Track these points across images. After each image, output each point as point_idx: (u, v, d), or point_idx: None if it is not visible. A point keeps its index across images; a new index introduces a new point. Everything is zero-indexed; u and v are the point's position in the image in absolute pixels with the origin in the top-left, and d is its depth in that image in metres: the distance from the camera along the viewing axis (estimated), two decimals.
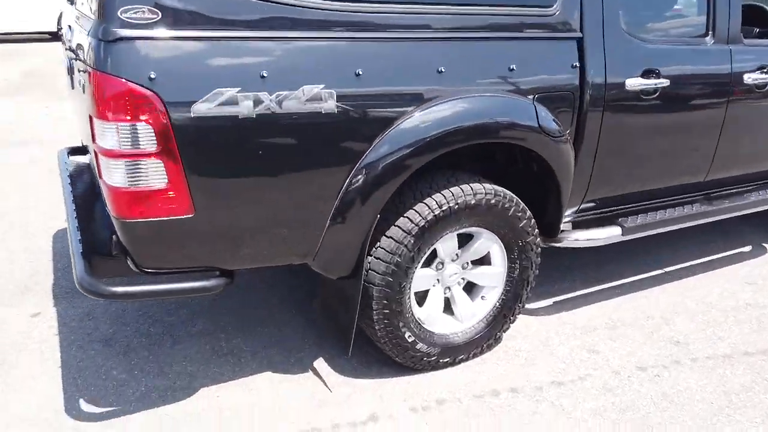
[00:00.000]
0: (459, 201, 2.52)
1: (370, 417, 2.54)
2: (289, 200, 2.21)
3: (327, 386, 2.71)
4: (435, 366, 2.84)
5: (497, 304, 2.91)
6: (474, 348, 2.90)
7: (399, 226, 2.48)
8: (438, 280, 2.77)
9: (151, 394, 2.63)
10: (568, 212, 2.99)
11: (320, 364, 2.86)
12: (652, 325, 3.27)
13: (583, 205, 3.04)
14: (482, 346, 2.93)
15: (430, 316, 2.76)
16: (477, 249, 2.77)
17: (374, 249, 2.50)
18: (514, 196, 2.68)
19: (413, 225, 2.47)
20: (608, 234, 3.15)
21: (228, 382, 2.72)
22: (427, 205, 2.49)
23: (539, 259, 2.90)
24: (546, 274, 3.73)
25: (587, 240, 3.10)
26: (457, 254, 2.75)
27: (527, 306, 3.41)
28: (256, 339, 3.03)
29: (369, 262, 2.50)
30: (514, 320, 2.99)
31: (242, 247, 2.23)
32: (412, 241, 2.48)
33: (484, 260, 2.87)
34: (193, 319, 3.18)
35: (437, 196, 2.51)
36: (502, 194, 2.63)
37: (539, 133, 2.59)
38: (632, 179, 3.12)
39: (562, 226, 3.12)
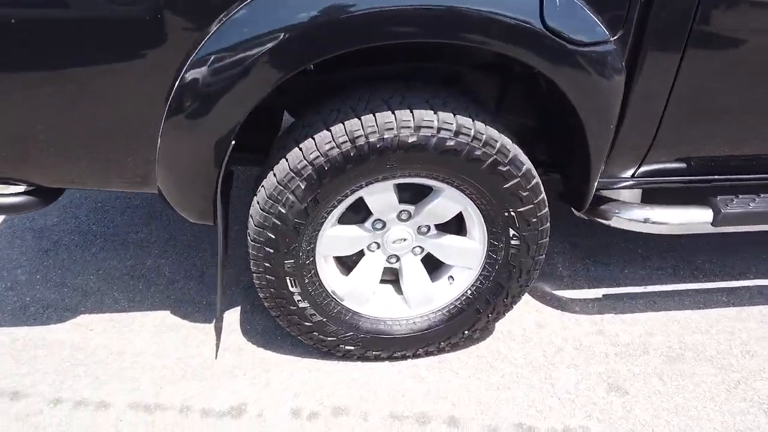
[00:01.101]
0: (385, 134, 1.58)
1: (231, 409, 1.88)
2: (95, 103, 1.49)
3: (216, 350, 2.08)
4: (361, 358, 2.05)
5: (468, 292, 1.97)
6: (424, 345, 2.03)
7: (287, 161, 1.64)
8: (378, 244, 1.90)
9: (28, 308, 2.24)
10: (614, 174, 1.85)
11: (230, 318, 2.22)
12: (735, 376, 2.07)
13: (644, 168, 1.85)
14: (438, 344, 2.04)
15: (356, 291, 1.94)
16: (434, 209, 1.82)
17: (259, 189, 1.71)
18: (497, 138, 1.65)
19: (305, 162, 1.61)
20: (688, 218, 1.94)
21: (114, 313, 2.22)
22: (332, 134, 1.60)
23: (546, 239, 1.86)
24: (599, 244, 2.61)
25: (649, 222, 1.94)
26: (408, 212, 1.83)
27: (552, 290, 2.38)
28: (185, 268, 2.46)
29: (252, 206, 1.73)
30: (495, 319, 2.04)
31: (42, 159, 1.59)
32: (303, 186, 1.63)
33: (457, 228, 1.92)
34: (145, 226, 2.69)
35: (351, 123, 1.59)
36: (469, 133, 1.62)
37: (543, 37, 1.49)
38: (737, 135, 1.83)
39: (617, 194, 2.00)
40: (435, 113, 1.60)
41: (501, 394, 1.97)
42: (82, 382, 1.94)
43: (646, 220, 1.92)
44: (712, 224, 1.90)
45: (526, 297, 2.37)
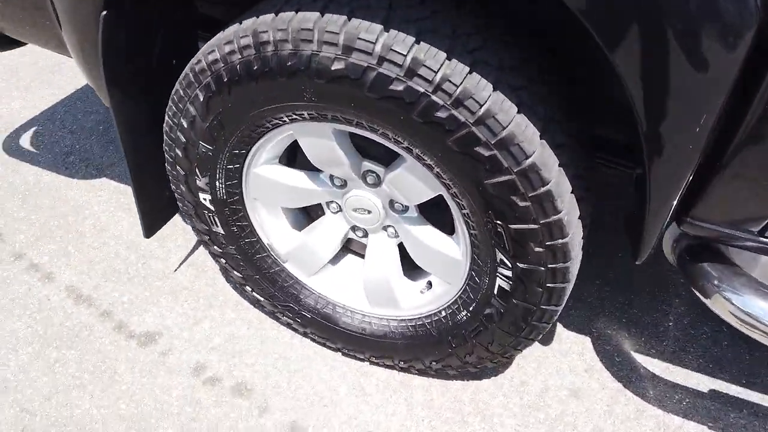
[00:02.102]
0: (300, 47, 1.01)
1: (145, 334, 1.61)
2: None
3: (180, 263, 1.81)
4: (306, 336, 1.59)
5: (443, 314, 1.34)
6: (378, 354, 1.49)
7: (192, 60, 1.17)
8: (339, 206, 1.37)
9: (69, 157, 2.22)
10: (727, 221, 0.99)
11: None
12: None
13: None
14: (396, 361, 1.48)
15: (302, 255, 1.45)
16: (398, 182, 1.20)
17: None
18: (482, 96, 0.95)
19: (203, 64, 1.13)
20: None
21: (57, 194, 2.09)
22: (236, 31, 1.07)
23: (564, 284, 1.13)
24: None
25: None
26: (376, 176, 1.25)
27: (643, 364, 1.58)
28: None
29: None
30: (474, 364, 1.38)
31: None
32: (201, 98, 1.16)
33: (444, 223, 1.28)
34: None
35: (261, 20, 1.05)
36: (431, 77, 0.95)
37: None
38: None
39: (745, 261, 1.14)
40: (385, 32, 0.97)
41: None
42: (50, 246, 1.86)
43: (760, 323, 1.03)
44: None
45: (583, 343, 1.62)
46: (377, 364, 1.53)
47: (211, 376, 1.53)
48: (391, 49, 0.96)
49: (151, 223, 1.55)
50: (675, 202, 0.94)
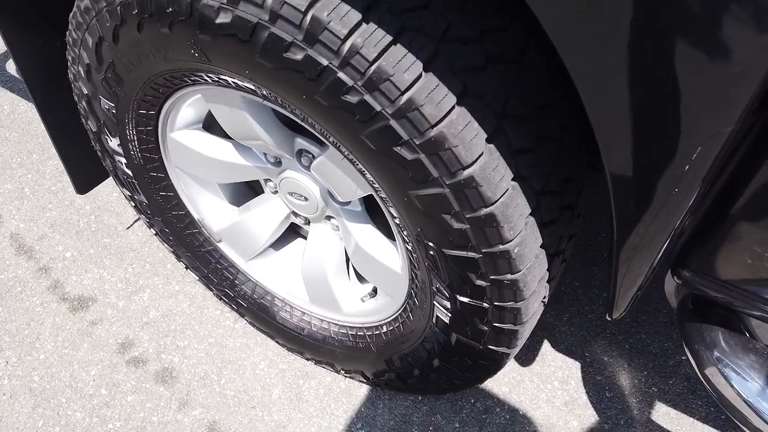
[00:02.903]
0: None
1: (79, 297, 1.46)
2: None
3: (134, 222, 1.64)
4: (249, 324, 1.40)
5: (384, 329, 1.11)
6: (318, 356, 1.29)
7: None
8: (275, 185, 1.13)
9: None
10: (715, 274, 0.70)
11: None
12: None
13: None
14: (335, 367, 1.27)
15: (237, 236, 1.23)
16: (324, 172, 0.95)
17: None
18: (385, 67, 0.68)
19: (87, 1, 0.89)
20: None
21: None
22: None
23: (518, 325, 0.87)
24: None
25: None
26: (311, 157, 1.00)
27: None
28: None
29: None
30: (417, 390, 1.16)
31: None
32: (91, 43, 0.93)
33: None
34: None
35: None
36: (332, 42, 0.69)
37: None
38: None
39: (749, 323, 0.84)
40: None
41: None
42: (6, 186, 1.72)
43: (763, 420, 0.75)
44: None
45: (569, 369, 1.36)
46: (322, 364, 1.33)
47: (136, 356, 1.37)
48: (286, 3, 0.69)
49: (84, 179, 1.37)
50: (654, 260, 0.66)
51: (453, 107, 0.70)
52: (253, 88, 0.83)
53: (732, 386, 0.78)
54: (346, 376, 1.31)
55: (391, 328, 1.08)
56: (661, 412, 1.30)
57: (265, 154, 1.08)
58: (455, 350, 0.97)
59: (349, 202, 1.05)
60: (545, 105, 0.79)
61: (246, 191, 1.27)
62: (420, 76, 0.69)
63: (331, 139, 0.82)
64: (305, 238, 1.31)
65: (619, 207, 0.64)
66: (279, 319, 1.27)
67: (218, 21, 0.75)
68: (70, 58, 1.02)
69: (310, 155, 1.00)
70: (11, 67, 2.13)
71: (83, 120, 1.15)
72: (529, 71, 0.77)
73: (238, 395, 1.31)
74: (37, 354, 1.37)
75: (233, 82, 0.85)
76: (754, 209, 0.61)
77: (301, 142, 1.00)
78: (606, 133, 0.58)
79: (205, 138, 1.09)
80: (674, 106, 0.53)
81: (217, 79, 0.87)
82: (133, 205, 1.28)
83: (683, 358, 1.39)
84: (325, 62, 0.70)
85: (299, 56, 0.71)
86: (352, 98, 0.71)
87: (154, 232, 1.32)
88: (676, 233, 0.64)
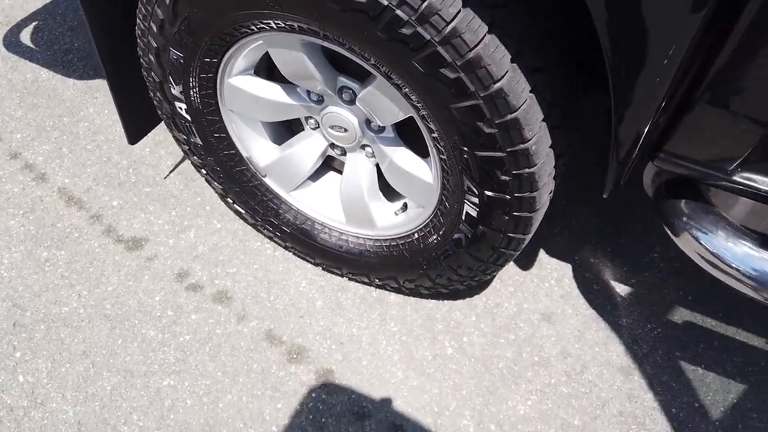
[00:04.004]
0: None
1: (132, 240, 1.65)
2: None
3: (170, 171, 1.82)
4: (287, 249, 1.62)
5: (415, 236, 1.34)
6: (354, 270, 1.51)
7: None
8: (317, 122, 1.34)
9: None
10: (699, 159, 0.95)
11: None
12: None
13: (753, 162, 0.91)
14: (371, 278, 1.50)
15: (281, 169, 1.44)
16: (370, 101, 1.16)
17: None
18: (449, 12, 0.89)
19: None
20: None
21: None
22: None
23: (533, 213, 1.11)
24: None
25: (730, 270, 1.03)
26: (352, 92, 1.21)
27: (607, 279, 1.58)
28: None
29: None
30: (444, 285, 1.40)
31: None
32: (167, 1, 1.11)
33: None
34: None
35: None
36: None
37: None
38: None
39: (721, 200, 1.10)
40: None
41: (411, 378, 1.42)
42: (45, 147, 1.87)
43: (732, 263, 1.01)
44: None
45: (563, 270, 1.62)
46: (355, 280, 1.56)
47: (193, 283, 1.58)
48: None
49: (135, 130, 1.54)
50: (641, 135, 0.90)
51: (485, 34, 0.92)
52: (317, 30, 1.03)
53: (699, 242, 1.04)
54: (378, 287, 1.54)
55: (422, 233, 1.31)
56: (638, 298, 1.57)
57: (308, 93, 1.28)
58: (480, 241, 1.20)
59: (383, 129, 1.26)
60: (551, 35, 1.01)
61: (285, 131, 1.47)
62: (459, 10, 0.90)
63: (383, 69, 1.03)
64: (336, 170, 1.52)
65: (617, 97, 0.87)
66: (320, 240, 1.49)
67: None
68: (141, 15, 1.20)
69: (351, 91, 1.21)
70: (26, 37, 2.25)
71: (145, 73, 1.32)
72: (540, 7, 0.99)
73: (286, 308, 1.54)
74: (104, 287, 1.56)
75: (298, 26, 1.05)
76: (714, 98, 0.85)
77: (343, 80, 1.20)
78: (612, 41, 0.81)
79: (257, 82, 1.28)
80: (654, 21, 0.76)
81: (283, 25, 1.07)
82: (187, 148, 1.46)
83: (655, 255, 1.66)
84: (385, 2, 0.91)
85: (408, 31, 0.91)
86: (407, 30, 0.92)
87: (204, 173, 1.51)
88: (656, 119, 0.88)
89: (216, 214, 1.72)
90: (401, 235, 1.37)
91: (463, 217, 1.18)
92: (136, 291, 1.56)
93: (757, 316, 1.54)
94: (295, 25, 1.05)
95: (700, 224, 1.03)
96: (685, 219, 1.05)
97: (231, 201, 1.55)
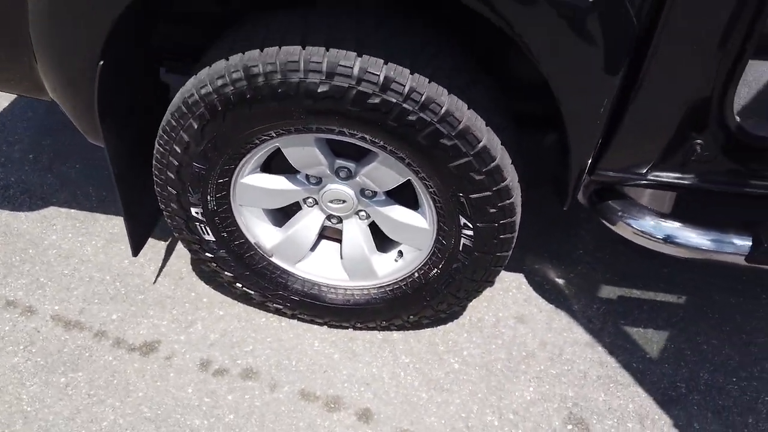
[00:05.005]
0: (288, 76, 1.22)
1: (144, 345, 1.75)
2: None
3: (157, 275, 1.95)
4: (294, 317, 1.82)
5: (416, 275, 1.63)
6: (361, 320, 1.76)
7: (180, 93, 1.34)
8: (315, 200, 1.60)
9: (8, 189, 2.23)
10: (623, 165, 1.35)
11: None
12: None
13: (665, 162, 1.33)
14: (378, 322, 1.76)
15: (286, 248, 1.67)
16: (372, 174, 1.46)
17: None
18: (442, 101, 1.23)
19: (196, 97, 1.31)
20: (714, 244, 1.42)
21: (80, 211, 2.15)
22: (226, 66, 1.26)
23: (511, 234, 1.45)
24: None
25: (660, 239, 1.44)
26: (348, 170, 1.49)
27: (556, 279, 1.96)
28: None
29: None
30: (445, 310, 1.70)
31: None
32: (196, 126, 1.34)
33: (414, 198, 1.55)
34: None
35: (249, 55, 1.24)
36: (401, 90, 1.21)
37: None
38: None
39: (639, 195, 1.51)
40: (359, 56, 1.21)
41: (435, 396, 1.68)
42: (21, 281, 1.92)
43: (657, 235, 1.42)
44: (746, 259, 1.37)
45: (519, 279, 1.98)
46: (361, 328, 1.80)
47: (218, 369, 1.72)
48: (368, 71, 1.20)
49: (138, 242, 1.69)
50: (588, 160, 1.28)
51: (467, 110, 1.26)
52: (334, 128, 1.31)
53: (632, 227, 1.44)
54: (383, 329, 1.79)
55: (422, 270, 1.60)
56: (580, 286, 1.97)
57: (307, 178, 1.54)
58: (475, 264, 1.52)
59: (376, 194, 1.55)
60: (509, 109, 1.39)
61: (282, 213, 1.70)
62: (447, 96, 1.24)
63: (389, 148, 1.33)
64: (328, 238, 1.77)
65: (571, 132, 1.24)
66: (328, 300, 1.72)
67: (319, 90, 1.22)
68: (162, 141, 1.40)
69: (347, 169, 1.49)
70: None
71: (159, 188, 1.50)
72: (490, 83, 1.37)
73: (309, 367, 1.73)
74: (134, 394, 1.65)
75: (316, 128, 1.32)
76: (633, 130, 1.25)
77: (339, 162, 1.48)
78: (564, 95, 1.18)
79: (264, 177, 1.52)
80: (594, 79, 1.15)
81: (302, 128, 1.33)
82: (198, 247, 1.64)
83: (581, 252, 2.08)
84: (394, 101, 1.22)
85: (377, 100, 1.22)
86: (413, 117, 1.24)
87: (215, 266, 1.68)
88: (597, 148, 1.27)
89: (215, 303, 1.87)
90: (402, 277, 1.64)
91: (461, 248, 1.49)
92: (167, 389, 1.66)
93: (669, 281, 2.00)
94: (314, 126, 1.32)
95: (629, 213, 1.44)
96: (619, 213, 1.45)
97: (240, 285, 1.73)
